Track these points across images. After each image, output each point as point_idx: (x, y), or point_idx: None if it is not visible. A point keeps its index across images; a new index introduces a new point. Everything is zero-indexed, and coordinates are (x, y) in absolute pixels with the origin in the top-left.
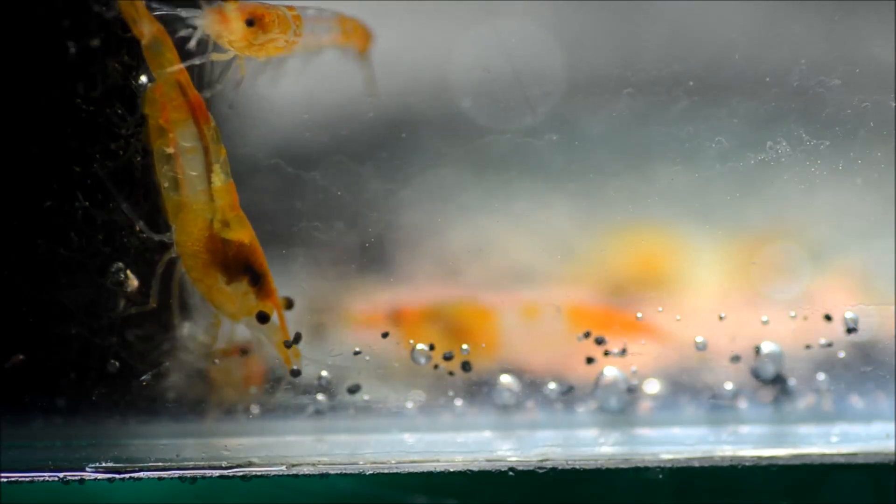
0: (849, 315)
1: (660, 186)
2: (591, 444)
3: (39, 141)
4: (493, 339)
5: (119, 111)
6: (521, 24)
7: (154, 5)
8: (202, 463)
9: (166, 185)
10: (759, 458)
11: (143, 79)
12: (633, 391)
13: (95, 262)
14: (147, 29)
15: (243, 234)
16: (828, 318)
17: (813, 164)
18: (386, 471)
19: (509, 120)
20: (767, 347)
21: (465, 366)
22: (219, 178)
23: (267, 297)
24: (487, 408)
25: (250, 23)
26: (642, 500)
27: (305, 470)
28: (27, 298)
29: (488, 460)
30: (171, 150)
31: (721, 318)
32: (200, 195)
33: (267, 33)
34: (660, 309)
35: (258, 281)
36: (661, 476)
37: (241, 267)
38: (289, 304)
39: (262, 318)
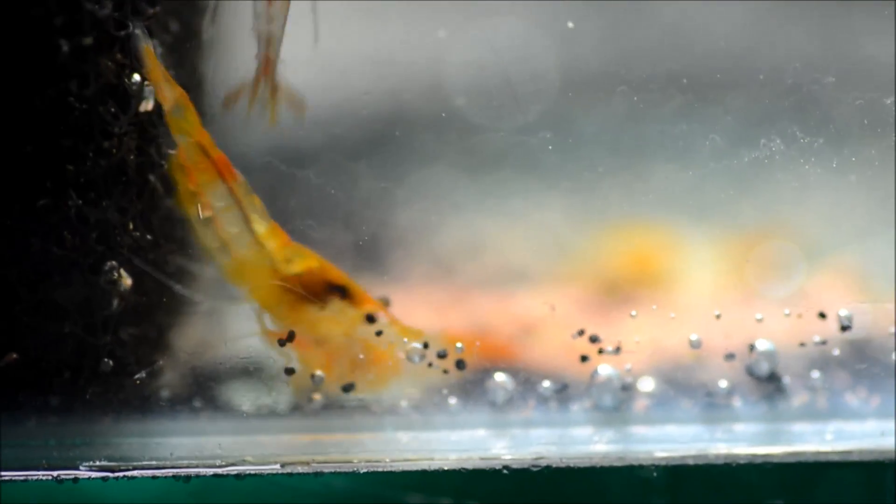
0: (843, 313)
1: (654, 185)
2: (585, 442)
3: (33, 140)
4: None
5: (112, 109)
6: (514, 23)
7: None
8: (196, 462)
9: (216, 249)
10: (754, 455)
11: (136, 77)
12: (627, 389)
13: (89, 261)
14: (169, 94)
15: (308, 259)
16: (822, 315)
17: (807, 162)
18: (380, 469)
19: (503, 118)
20: (762, 345)
21: (460, 364)
22: (261, 226)
23: (363, 300)
24: (481, 406)
25: None
26: (637, 498)
27: (299, 468)
28: (21, 297)
29: (482, 458)
30: (207, 214)
31: (717, 316)
32: (251, 249)
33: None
34: (654, 307)
35: (345, 292)
36: (655, 474)
37: (325, 289)
38: (385, 303)
39: (371, 318)
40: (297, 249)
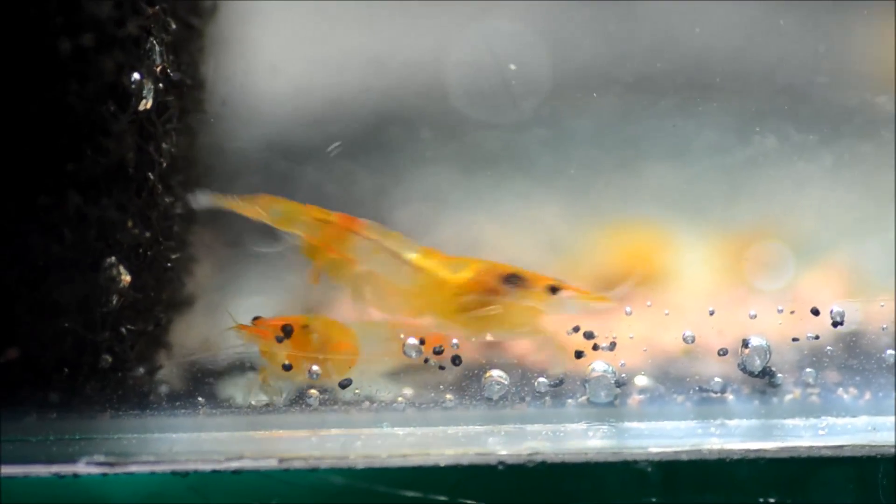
0: (836, 309)
1: (649, 183)
2: (580, 437)
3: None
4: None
5: (112, 108)
6: (510, 22)
7: None
8: (194, 457)
9: (393, 292)
10: (747, 451)
11: (136, 76)
12: (621, 385)
13: (88, 258)
14: (259, 208)
15: (469, 263)
16: (815, 312)
17: (801, 159)
18: (377, 465)
19: (500, 117)
20: (755, 341)
21: (456, 359)
22: (411, 253)
23: (536, 280)
24: (477, 401)
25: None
26: (631, 493)
27: (297, 464)
28: (20, 294)
29: (478, 454)
30: (364, 270)
31: (711, 313)
32: (416, 278)
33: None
34: (648, 303)
35: (518, 278)
36: (649, 469)
37: (499, 282)
38: (553, 289)
39: (554, 290)
40: (454, 259)
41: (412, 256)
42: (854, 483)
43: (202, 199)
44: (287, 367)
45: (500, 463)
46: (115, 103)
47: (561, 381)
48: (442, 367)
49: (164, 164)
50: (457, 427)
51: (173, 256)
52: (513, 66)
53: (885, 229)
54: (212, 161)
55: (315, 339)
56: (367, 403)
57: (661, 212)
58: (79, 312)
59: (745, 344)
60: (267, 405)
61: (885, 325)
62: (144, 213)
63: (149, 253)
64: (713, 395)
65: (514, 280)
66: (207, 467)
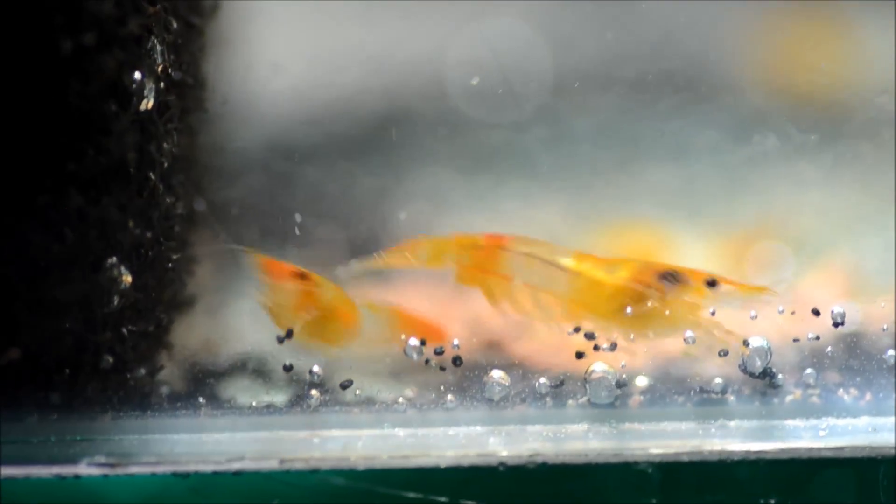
0: (836, 310)
1: (649, 183)
2: (581, 438)
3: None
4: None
5: (113, 107)
6: (511, 22)
7: None
8: (195, 458)
9: (552, 300)
10: (748, 452)
11: (137, 75)
12: (622, 386)
13: (89, 258)
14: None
15: (623, 262)
16: (816, 312)
17: (801, 159)
18: (378, 466)
19: (500, 118)
20: (756, 342)
21: (456, 360)
22: (565, 259)
23: (692, 275)
24: (478, 402)
25: None
26: (632, 494)
27: (298, 465)
28: (21, 294)
29: (479, 455)
30: (520, 284)
31: (712, 313)
32: (573, 283)
33: None
34: (649, 304)
35: (676, 275)
36: (650, 470)
37: (656, 280)
38: (712, 283)
39: (713, 283)
40: (608, 259)
41: (567, 262)
42: (854, 484)
43: (353, 269)
44: (288, 368)
45: (501, 464)
46: (116, 103)
47: (562, 383)
48: (443, 369)
49: (166, 164)
50: (458, 428)
51: (174, 257)
52: (474, 82)
53: (885, 229)
54: (213, 161)
55: (322, 301)
56: (368, 404)
57: (662, 212)
58: (80, 313)
59: (746, 344)
60: (268, 406)
61: (885, 326)
62: (146, 213)
63: (150, 253)
64: (714, 396)
65: (671, 277)
66: (208, 468)
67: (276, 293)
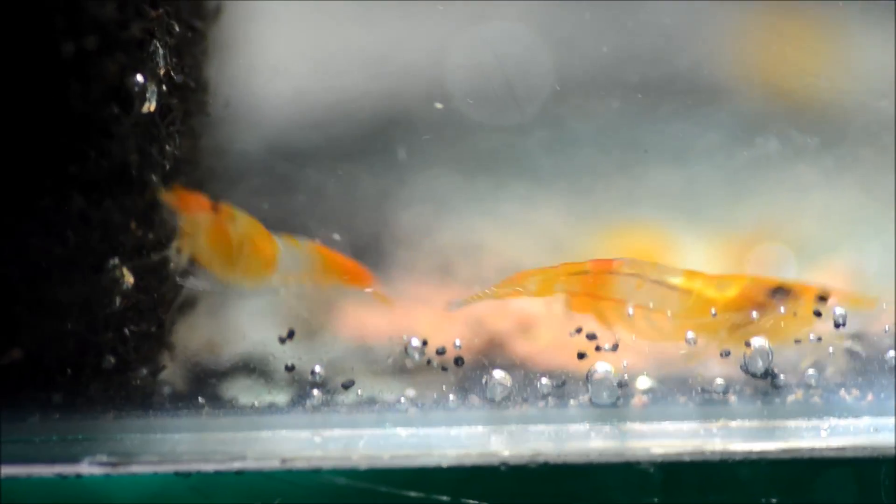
0: (838, 311)
1: (650, 186)
2: (582, 438)
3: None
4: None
5: (115, 110)
6: (512, 23)
7: None
8: (197, 457)
9: (663, 319)
10: (750, 452)
11: (139, 78)
12: (624, 386)
13: (91, 260)
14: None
15: (734, 278)
16: (817, 313)
17: (802, 162)
18: (380, 465)
19: (501, 120)
20: (757, 342)
21: (458, 361)
22: (675, 278)
23: (804, 290)
24: (480, 402)
25: None
26: (633, 494)
27: (299, 465)
28: (23, 295)
29: (481, 455)
30: (633, 306)
31: (713, 314)
32: (684, 301)
33: None
34: (650, 304)
35: (786, 290)
36: (651, 470)
37: (768, 296)
38: (823, 297)
39: (823, 298)
40: (718, 276)
41: (677, 281)
42: (856, 484)
43: (457, 304)
44: (290, 368)
45: (503, 464)
46: (118, 106)
47: (563, 383)
48: (444, 369)
49: (168, 167)
50: (459, 428)
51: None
52: (438, 106)
53: (886, 231)
54: (215, 163)
55: (237, 233)
56: (370, 404)
57: (663, 214)
58: (82, 314)
59: (748, 345)
60: (270, 405)
61: (887, 327)
62: (148, 215)
63: (152, 255)
64: (715, 396)
65: (781, 292)
66: (210, 468)
67: (190, 225)
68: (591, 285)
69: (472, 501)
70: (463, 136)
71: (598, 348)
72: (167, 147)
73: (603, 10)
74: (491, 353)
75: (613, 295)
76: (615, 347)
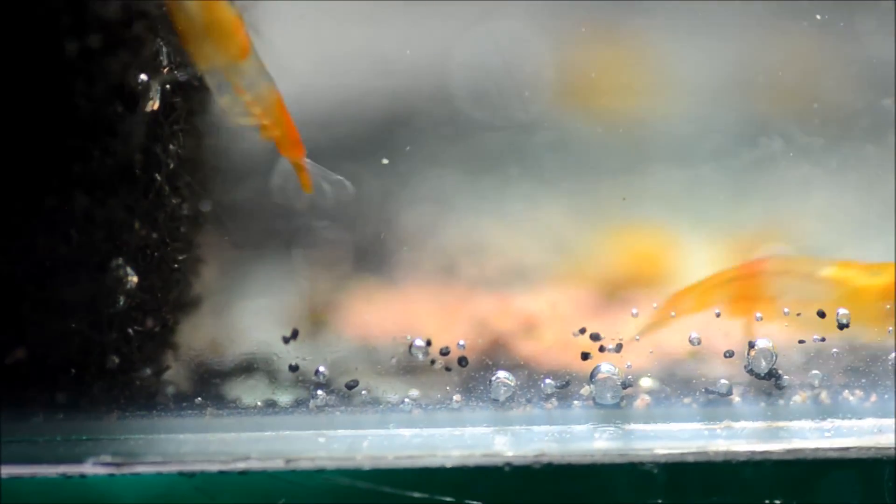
0: (841, 311)
1: (655, 186)
2: (586, 439)
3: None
4: None
5: (119, 109)
6: (516, 23)
7: None
8: (201, 457)
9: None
10: (753, 452)
11: (143, 77)
12: (627, 387)
13: (95, 259)
14: None
15: (885, 266)
16: (821, 314)
17: (806, 162)
18: (384, 466)
19: (506, 120)
20: (761, 343)
21: (462, 361)
22: (826, 270)
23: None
24: (484, 403)
25: None
26: (637, 495)
27: (303, 465)
28: (27, 294)
29: (485, 455)
30: (789, 301)
31: (717, 315)
32: (836, 291)
33: None
34: (654, 305)
35: None
36: (655, 471)
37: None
38: None
39: None
40: (872, 265)
41: (828, 272)
42: (860, 485)
43: (639, 333)
44: (294, 368)
45: (507, 464)
46: (122, 104)
47: (567, 384)
48: (448, 369)
49: (171, 165)
50: (463, 428)
51: (180, 258)
52: (407, 149)
53: (888, 232)
54: (218, 162)
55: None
56: (374, 404)
57: (667, 214)
58: (86, 313)
59: (752, 346)
60: (274, 406)
61: (890, 328)
62: (151, 214)
63: (156, 254)
64: (719, 396)
65: None
66: (214, 468)
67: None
68: (746, 289)
69: (475, 502)
70: (467, 135)
71: (602, 349)
72: (171, 146)
73: (607, 10)
74: (495, 354)
75: (768, 294)
76: (619, 348)
